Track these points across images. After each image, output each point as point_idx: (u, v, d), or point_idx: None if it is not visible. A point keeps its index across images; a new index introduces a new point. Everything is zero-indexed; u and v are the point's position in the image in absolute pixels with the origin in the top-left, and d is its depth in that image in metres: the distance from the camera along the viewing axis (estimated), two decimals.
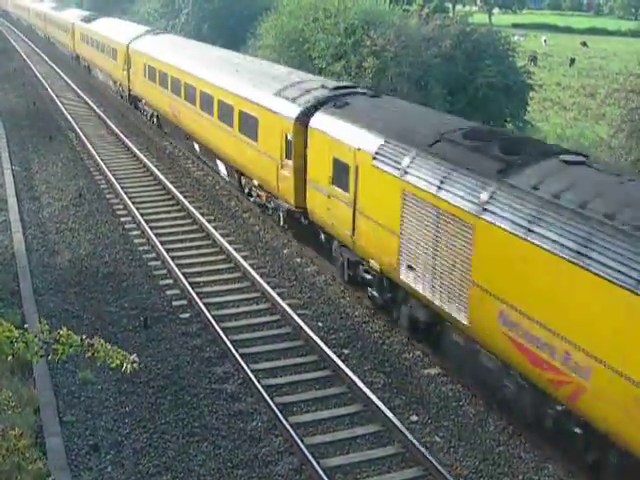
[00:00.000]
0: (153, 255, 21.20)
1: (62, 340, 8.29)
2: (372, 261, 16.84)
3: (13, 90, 46.92)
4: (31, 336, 8.26)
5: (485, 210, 13.05)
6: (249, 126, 22.73)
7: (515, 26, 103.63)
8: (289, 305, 17.77)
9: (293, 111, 20.13)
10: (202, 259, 20.96)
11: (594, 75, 60.55)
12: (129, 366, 8.43)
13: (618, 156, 27.73)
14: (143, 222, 23.17)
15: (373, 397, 14.09)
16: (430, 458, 12.43)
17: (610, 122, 36.95)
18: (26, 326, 8.70)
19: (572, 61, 68.52)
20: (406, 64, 33.97)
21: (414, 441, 12.85)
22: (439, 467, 12.21)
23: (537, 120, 40.49)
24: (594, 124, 41.99)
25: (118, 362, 8.42)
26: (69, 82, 49.71)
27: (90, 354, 8.39)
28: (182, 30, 58.05)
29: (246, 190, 24.52)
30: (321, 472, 12.11)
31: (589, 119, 43.88)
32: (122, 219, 24.02)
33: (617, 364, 10.70)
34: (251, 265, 20.07)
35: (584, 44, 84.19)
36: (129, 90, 39.15)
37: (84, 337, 8.44)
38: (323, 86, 20.88)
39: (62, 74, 53.14)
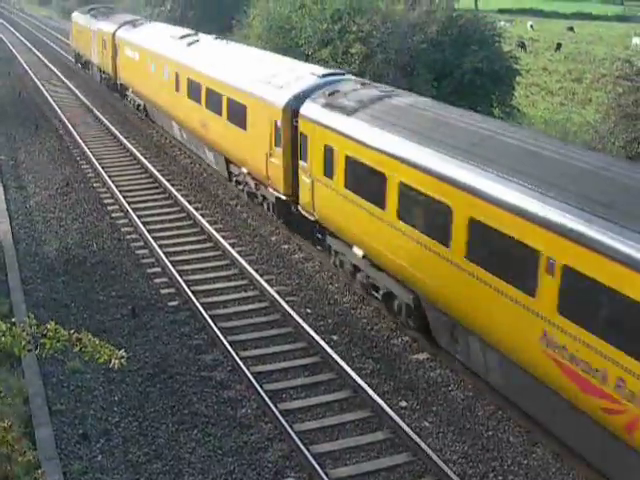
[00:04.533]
0: (141, 244, 21.16)
1: (49, 335, 8.24)
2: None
3: None
4: (18, 330, 8.21)
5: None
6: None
7: (501, 11, 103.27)
8: (277, 292, 17.77)
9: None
10: (190, 247, 20.94)
11: (580, 60, 60.41)
12: (117, 362, 8.39)
13: (605, 141, 27.67)
14: (130, 210, 23.11)
15: (362, 383, 14.14)
16: (419, 443, 12.49)
17: (597, 107, 36.93)
18: (14, 320, 8.64)
19: (558, 46, 68.33)
20: (392, 50, 33.87)
21: (404, 426, 12.91)
22: (429, 452, 12.27)
23: (524, 105, 40.37)
24: (581, 109, 41.96)
25: (106, 357, 8.37)
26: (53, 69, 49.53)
27: (78, 349, 8.35)
28: (168, 17, 57.73)
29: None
30: (311, 458, 12.15)
31: (576, 104, 43.82)
32: (109, 207, 23.96)
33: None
34: (239, 252, 20.06)
35: (571, 29, 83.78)
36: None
37: (72, 331, 8.40)
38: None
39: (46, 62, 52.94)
